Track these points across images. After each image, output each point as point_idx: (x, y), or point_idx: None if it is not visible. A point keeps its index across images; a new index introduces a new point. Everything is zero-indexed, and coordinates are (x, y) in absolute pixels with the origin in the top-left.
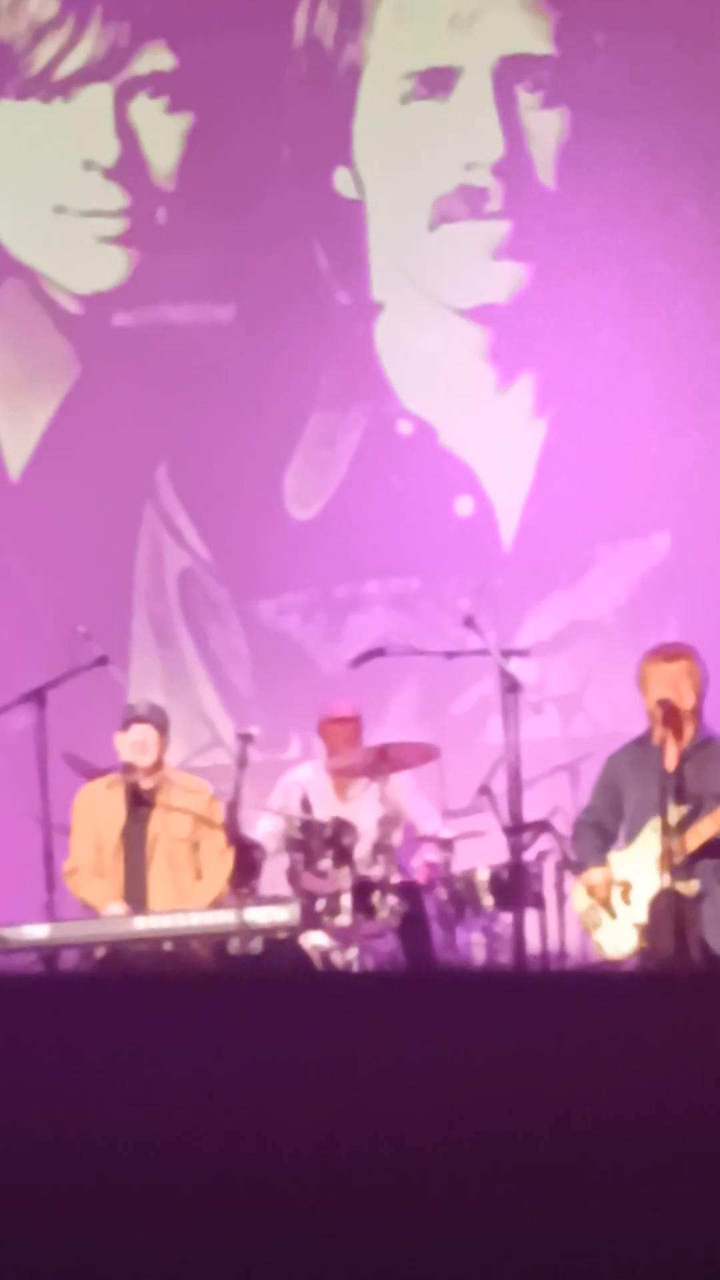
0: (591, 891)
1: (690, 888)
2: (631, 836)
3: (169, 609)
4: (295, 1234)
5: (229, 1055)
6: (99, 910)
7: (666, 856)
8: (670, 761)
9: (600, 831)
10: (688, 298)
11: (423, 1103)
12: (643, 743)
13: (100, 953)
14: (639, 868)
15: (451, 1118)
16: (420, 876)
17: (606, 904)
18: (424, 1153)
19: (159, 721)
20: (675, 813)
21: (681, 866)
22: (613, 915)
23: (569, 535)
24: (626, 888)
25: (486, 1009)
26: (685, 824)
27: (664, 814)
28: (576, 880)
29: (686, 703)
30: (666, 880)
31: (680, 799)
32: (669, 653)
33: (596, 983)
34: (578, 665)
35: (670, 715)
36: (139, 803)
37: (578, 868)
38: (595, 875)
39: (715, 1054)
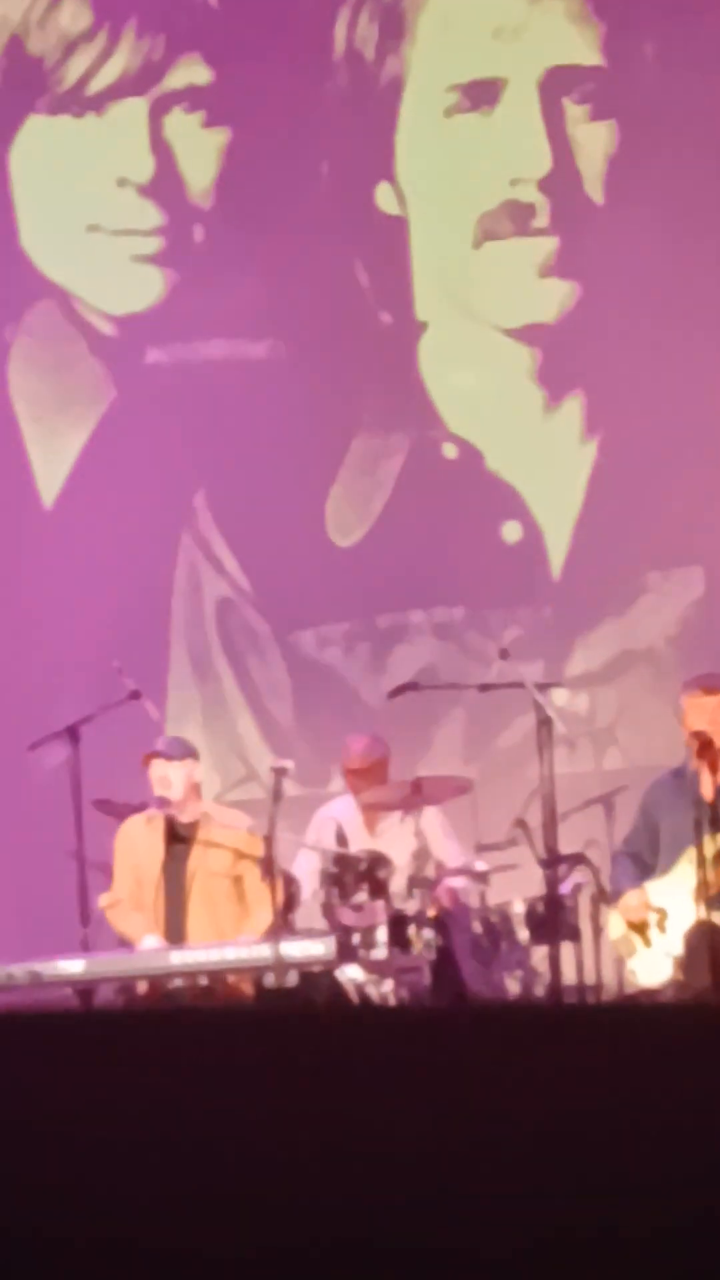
0: (627, 915)
1: None
2: (668, 866)
3: (207, 640)
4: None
5: (258, 1092)
6: (135, 942)
7: (702, 887)
8: (707, 792)
9: (637, 862)
10: None
11: (454, 1139)
12: (680, 773)
13: (143, 988)
14: (675, 897)
15: (481, 1152)
16: (445, 900)
17: (642, 930)
18: (454, 1188)
19: (179, 755)
20: (712, 843)
21: (717, 897)
22: (648, 943)
23: (620, 562)
24: (663, 916)
25: (519, 1043)
26: None
27: (699, 844)
28: (613, 908)
29: None
30: (702, 911)
31: (717, 829)
32: (708, 685)
33: (631, 1016)
34: (628, 695)
35: (705, 747)
36: (176, 839)
37: (614, 897)
38: (631, 899)
39: None
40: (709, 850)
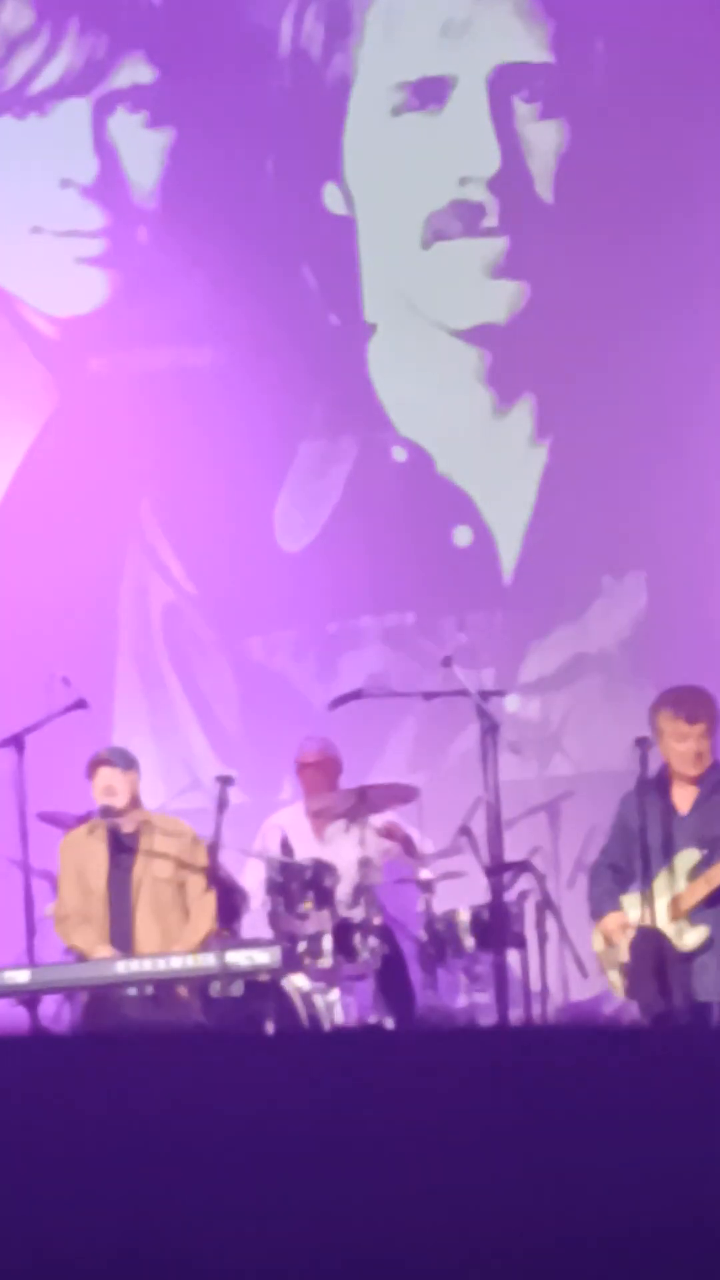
0: (608, 938)
1: (699, 933)
2: (648, 879)
3: (154, 648)
4: None
5: (211, 1113)
6: (88, 956)
7: (675, 901)
8: (683, 805)
9: (615, 873)
10: (692, 313)
11: (411, 1159)
12: (656, 783)
13: (84, 998)
14: (654, 911)
15: (440, 1176)
16: (382, 833)
17: (624, 948)
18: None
19: (123, 764)
20: (689, 857)
21: (693, 911)
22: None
23: (572, 565)
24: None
25: (470, 1064)
26: (698, 869)
27: (669, 858)
28: (595, 926)
29: (704, 761)
30: (671, 927)
31: (694, 844)
32: (691, 713)
33: (581, 1035)
34: (580, 701)
35: (684, 769)
36: (120, 848)
37: (595, 913)
38: (610, 922)
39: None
40: (687, 863)
